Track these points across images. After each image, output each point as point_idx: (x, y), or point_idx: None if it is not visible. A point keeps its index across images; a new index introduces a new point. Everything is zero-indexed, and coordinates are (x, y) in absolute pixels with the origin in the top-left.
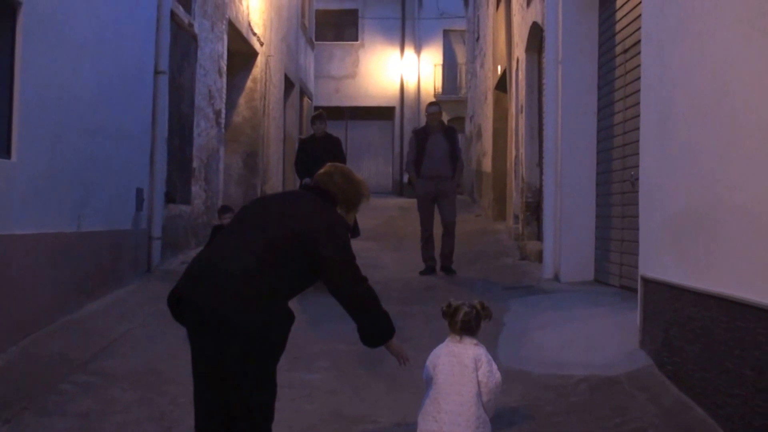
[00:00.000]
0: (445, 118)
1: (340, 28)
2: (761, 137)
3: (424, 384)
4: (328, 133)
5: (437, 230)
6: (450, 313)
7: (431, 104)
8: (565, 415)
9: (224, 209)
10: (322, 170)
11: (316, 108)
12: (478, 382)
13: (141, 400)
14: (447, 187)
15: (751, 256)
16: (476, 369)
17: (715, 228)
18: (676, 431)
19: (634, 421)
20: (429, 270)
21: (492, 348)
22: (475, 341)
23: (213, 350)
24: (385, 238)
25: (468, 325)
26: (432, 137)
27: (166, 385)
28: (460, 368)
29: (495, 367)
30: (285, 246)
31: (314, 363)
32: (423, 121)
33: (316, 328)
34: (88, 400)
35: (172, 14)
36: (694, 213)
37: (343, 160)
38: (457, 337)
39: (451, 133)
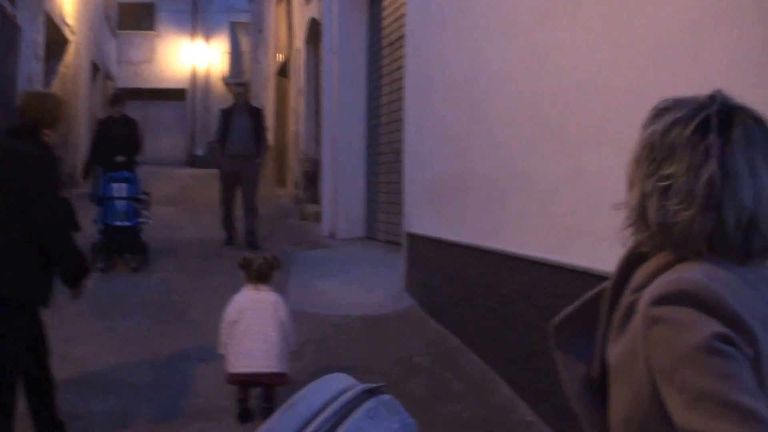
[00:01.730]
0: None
1: (138, 18)
2: (500, 118)
3: (223, 327)
4: (125, 115)
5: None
6: (245, 265)
7: (238, 83)
8: (347, 347)
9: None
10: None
11: (116, 90)
12: (282, 322)
13: None
14: (250, 166)
15: (495, 212)
16: (277, 311)
17: (466, 191)
18: (437, 357)
19: (403, 350)
20: (230, 238)
21: (282, 293)
22: (269, 288)
23: None
24: (182, 204)
25: (262, 274)
26: (237, 116)
27: None
28: (263, 312)
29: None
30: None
31: (132, 312)
32: (212, 102)
33: (134, 281)
34: None
35: (1, 7)
36: (449, 179)
37: (140, 144)
38: (254, 286)
39: (256, 112)
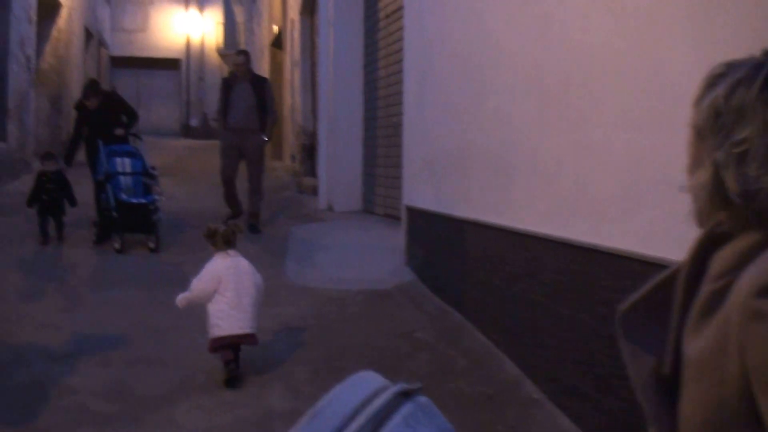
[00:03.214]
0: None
1: None
2: (504, 91)
3: (194, 298)
4: (108, 93)
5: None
6: (212, 234)
7: (238, 52)
8: (347, 322)
9: (47, 156)
10: None
11: (89, 82)
12: (258, 285)
13: None
14: (253, 141)
15: (498, 187)
16: (254, 275)
17: (469, 165)
18: (440, 332)
19: (404, 325)
20: (235, 215)
21: (280, 267)
22: (237, 252)
23: None
24: (177, 174)
25: (228, 240)
26: (238, 87)
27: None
28: (242, 276)
29: None
30: None
31: (125, 284)
32: (206, 72)
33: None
34: None
35: None
36: (450, 153)
37: (132, 109)
38: (224, 252)
39: (259, 83)
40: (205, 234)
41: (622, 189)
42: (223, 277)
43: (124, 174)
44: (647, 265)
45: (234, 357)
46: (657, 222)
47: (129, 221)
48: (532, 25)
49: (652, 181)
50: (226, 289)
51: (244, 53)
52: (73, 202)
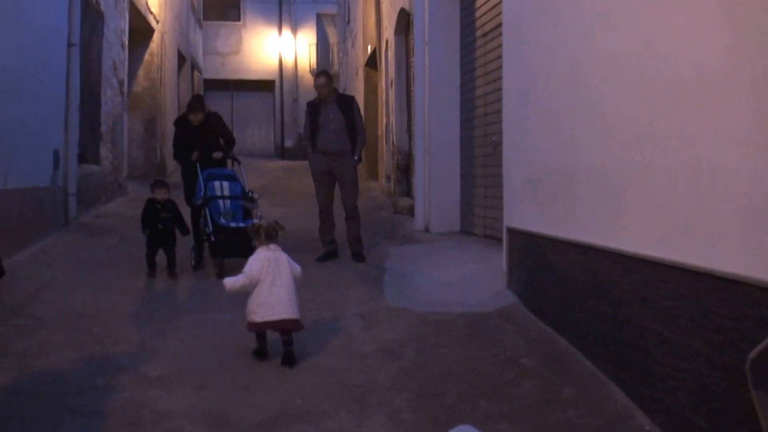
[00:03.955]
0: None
1: (224, 9)
2: (609, 109)
3: (247, 281)
4: (209, 113)
5: (339, 211)
6: (256, 230)
7: (319, 74)
8: (448, 346)
9: (158, 183)
10: None
11: (195, 96)
12: (295, 276)
13: (71, 341)
14: (345, 163)
15: (604, 208)
16: (292, 266)
17: (573, 186)
18: (544, 358)
19: (508, 351)
20: (328, 255)
21: (378, 289)
22: (278, 246)
23: None
24: (273, 195)
25: (271, 235)
26: (325, 109)
27: (91, 326)
28: (281, 267)
29: None
30: None
31: (222, 308)
32: (300, 93)
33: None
34: (24, 341)
35: None
36: (553, 172)
37: (229, 132)
38: (266, 246)
39: (347, 102)
40: (249, 230)
41: (740, 210)
42: (264, 268)
43: (223, 198)
44: (766, 291)
45: (264, 338)
46: None
47: (228, 246)
48: (638, 39)
49: None
50: (265, 279)
51: (325, 74)
52: (185, 231)
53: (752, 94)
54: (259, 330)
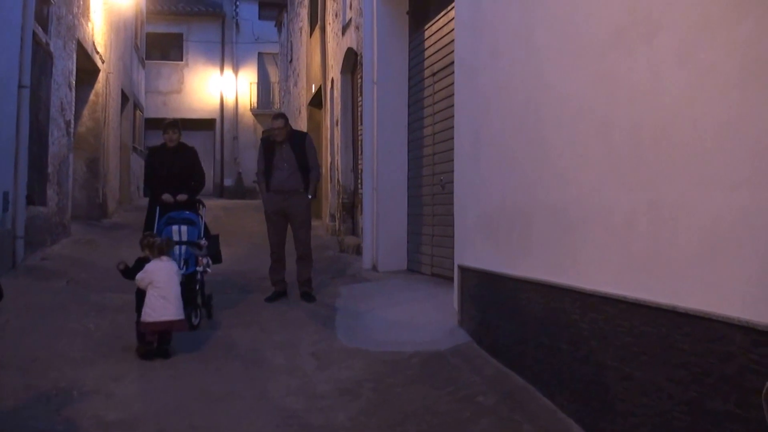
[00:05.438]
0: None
1: (167, 49)
2: (568, 149)
3: (138, 281)
4: (182, 143)
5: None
6: (150, 245)
7: (277, 116)
8: (405, 385)
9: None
10: None
11: (156, 119)
12: (181, 283)
13: (27, 386)
14: (298, 202)
15: (562, 246)
16: (178, 274)
17: (530, 224)
18: (502, 396)
19: (464, 389)
20: (277, 295)
21: (330, 330)
22: (168, 258)
23: None
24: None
25: (162, 250)
26: (279, 148)
27: (47, 370)
28: (172, 275)
29: None
30: None
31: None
32: (240, 132)
33: None
34: None
35: (34, 34)
36: (509, 211)
37: (201, 172)
38: (159, 258)
39: (299, 141)
40: (144, 244)
41: (702, 247)
42: (155, 275)
43: (179, 243)
44: (730, 327)
45: (153, 339)
46: (737, 282)
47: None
48: (596, 82)
49: (733, 241)
50: (158, 285)
51: (283, 116)
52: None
53: (714, 137)
54: (152, 330)
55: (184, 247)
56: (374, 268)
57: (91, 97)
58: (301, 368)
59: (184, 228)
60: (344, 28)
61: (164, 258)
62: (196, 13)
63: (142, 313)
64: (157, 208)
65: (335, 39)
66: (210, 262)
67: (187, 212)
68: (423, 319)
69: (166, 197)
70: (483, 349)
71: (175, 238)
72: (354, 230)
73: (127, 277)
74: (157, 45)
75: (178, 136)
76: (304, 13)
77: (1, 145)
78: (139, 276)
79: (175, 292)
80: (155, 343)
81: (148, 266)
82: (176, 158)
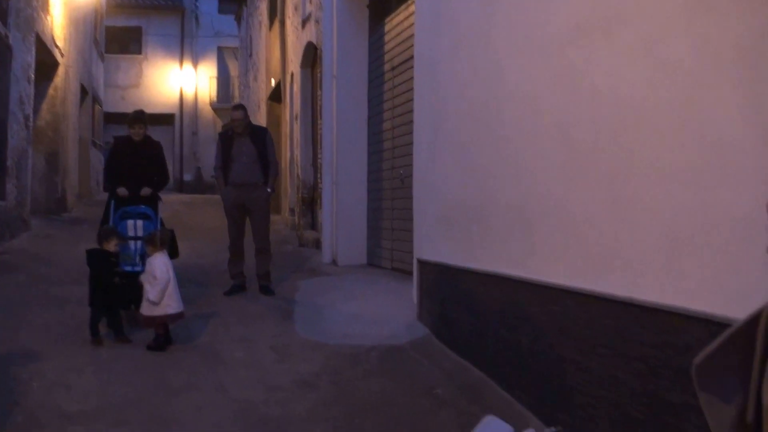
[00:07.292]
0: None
1: (126, 42)
2: (526, 144)
3: (164, 285)
4: (148, 136)
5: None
6: (151, 239)
7: (235, 107)
8: (363, 378)
9: (109, 233)
10: None
11: (115, 113)
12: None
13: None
14: (258, 196)
15: (520, 240)
16: (172, 267)
17: (488, 218)
18: (460, 389)
19: (423, 382)
20: (236, 288)
21: (289, 323)
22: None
23: None
24: (174, 229)
25: (164, 242)
26: (238, 141)
27: (7, 364)
28: (171, 268)
29: None
30: None
31: (136, 344)
32: (200, 126)
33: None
34: None
35: None
36: (467, 206)
37: (165, 168)
38: (161, 252)
39: (259, 135)
40: (146, 240)
41: (662, 241)
42: (164, 269)
43: (134, 239)
44: (688, 319)
45: (163, 331)
46: (696, 275)
47: (124, 293)
48: (556, 78)
49: (691, 235)
50: (162, 278)
51: (242, 107)
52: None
53: (674, 132)
54: (161, 322)
55: (140, 243)
56: (334, 262)
57: (50, 90)
58: (260, 361)
59: (139, 223)
60: (304, 22)
61: (164, 251)
62: (155, 7)
63: (143, 307)
64: (113, 201)
65: (295, 33)
66: None
67: (143, 207)
68: (382, 313)
69: (121, 191)
70: (442, 342)
71: (131, 233)
72: (314, 225)
73: (119, 279)
74: (116, 38)
75: (144, 129)
76: (263, 6)
77: None
78: (159, 274)
79: (175, 285)
80: (162, 336)
81: (153, 260)
82: (142, 152)
